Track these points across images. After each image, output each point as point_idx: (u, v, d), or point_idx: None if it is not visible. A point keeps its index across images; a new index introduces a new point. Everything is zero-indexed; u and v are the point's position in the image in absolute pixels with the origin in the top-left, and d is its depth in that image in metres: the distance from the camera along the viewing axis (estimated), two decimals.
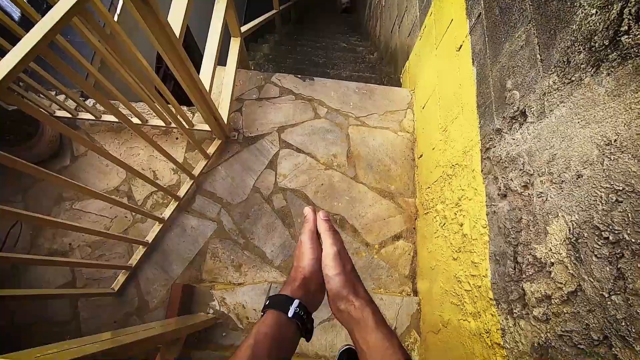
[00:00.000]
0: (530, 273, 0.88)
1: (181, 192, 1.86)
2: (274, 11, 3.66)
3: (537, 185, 0.88)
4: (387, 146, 2.09)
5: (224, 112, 1.98)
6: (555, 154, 0.82)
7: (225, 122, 1.96)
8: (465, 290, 1.26)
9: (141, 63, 1.42)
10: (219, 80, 2.12)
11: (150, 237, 1.77)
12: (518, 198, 0.97)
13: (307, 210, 0.63)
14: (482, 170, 1.21)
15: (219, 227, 1.87)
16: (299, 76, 2.25)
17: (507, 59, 1.09)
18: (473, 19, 1.36)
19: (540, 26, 0.92)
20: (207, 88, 1.65)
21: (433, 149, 1.75)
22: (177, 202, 1.84)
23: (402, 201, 1.98)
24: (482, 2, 1.29)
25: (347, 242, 1.88)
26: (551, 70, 0.86)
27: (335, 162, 2.04)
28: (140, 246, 1.76)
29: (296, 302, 0.50)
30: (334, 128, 2.13)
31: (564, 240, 0.77)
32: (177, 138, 2.05)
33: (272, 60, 3.15)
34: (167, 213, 1.81)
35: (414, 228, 1.92)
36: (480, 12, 1.30)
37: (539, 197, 0.87)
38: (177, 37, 1.28)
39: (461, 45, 1.47)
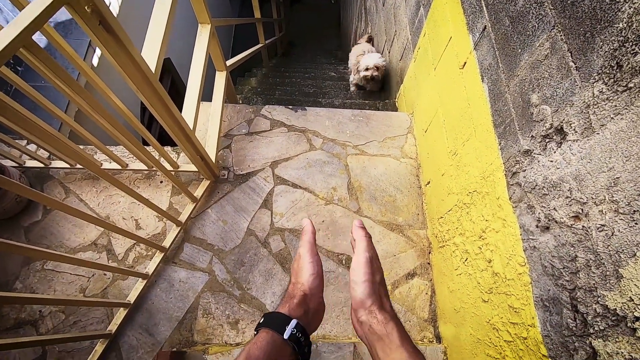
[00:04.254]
0: (601, 327, 0.70)
1: (167, 242, 1.66)
2: (259, 45, 3.62)
3: (594, 216, 0.72)
4: (390, 174, 1.94)
5: (211, 150, 1.83)
6: (618, 178, 0.66)
7: (213, 161, 1.80)
8: (505, 341, 1.06)
9: (117, 106, 1.28)
10: (205, 116, 1.98)
11: (132, 297, 1.55)
12: (567, 231, 0.80)
13: (306, 222, 0.58)
14: (510, 198, 1.05)
15: (211, 279, 1.66)
16: (290, 107, 2.13)
17: (527, 71, 0.96)
18: (477, 34, 1.25)
19: (569, 30, 0.80)
20: (191, 126, 1.50)
21: (442, 174, 1.60)
22: (163, 254, 1.64)
23: (412, 234, 1.80)
24: (486, 14, 1.18)
25: None
26: (594, 78, 0.72)
27: (335, 195, 1.88)
28: (122, 308, 1.54)
29: (294, 322, 0.45)
30: (331, 159, 1.98)
31: None
32: (161, 181, 1.88)
33: (260, 93, 3.05)
34: (151, 267, 1.61)
35: (429, 263, 1.73)
36: (486, 25, 1.19)
37: (600, 231, 0.70)
38: (153, 72, 1.14)
39: (465, 62, 1.36)
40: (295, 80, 3.46)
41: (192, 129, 1.49)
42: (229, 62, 2.22)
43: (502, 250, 1.09)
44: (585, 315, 0.75)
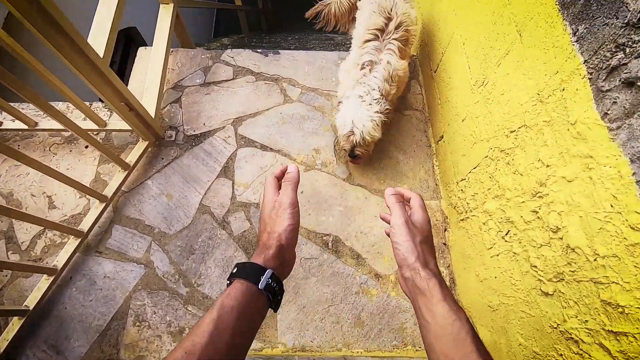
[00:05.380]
0: None
1: (85, 225, 1.21)
2: (233, 5, 3.14)
3: None
4: (389, 131, 1.49)
5: (150, 103, 1.37)
6: None
7: (153, 117, 1.34)
8: None
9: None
10: (145, 63, 1.52)
11: (32, 301, 1.10)
12: None
13: (292, 167, 0.53)
14: (603, 117, 0.60)
15: (147, 272, 1.22)
16: (259, 50, 1.66)
17: None
18: None
19: None
20: (101, 54, 1.04)
21: (463, 120, 1.15)
22: (79, 240, 1.19)
23: None
24: None
25: (347, 274, 1.23)
26: None
27: (318, 159, 1.42)
28: (16, 317, 1.09)
29: (269, 272, 0.44)
30: (312, 113, 1.52)
31: None
32: (86, 146, 1.42)
33: (229, 47, 2.56)
34: (61, 259, 1.16)
35: (445, 244, 1.29)
36: None
37: None
38: None
39: None
40: (276, 41, 2.98)
41: (102, 57, 1.03)
42: None
43: (585, 208, 0.64)
44: None
